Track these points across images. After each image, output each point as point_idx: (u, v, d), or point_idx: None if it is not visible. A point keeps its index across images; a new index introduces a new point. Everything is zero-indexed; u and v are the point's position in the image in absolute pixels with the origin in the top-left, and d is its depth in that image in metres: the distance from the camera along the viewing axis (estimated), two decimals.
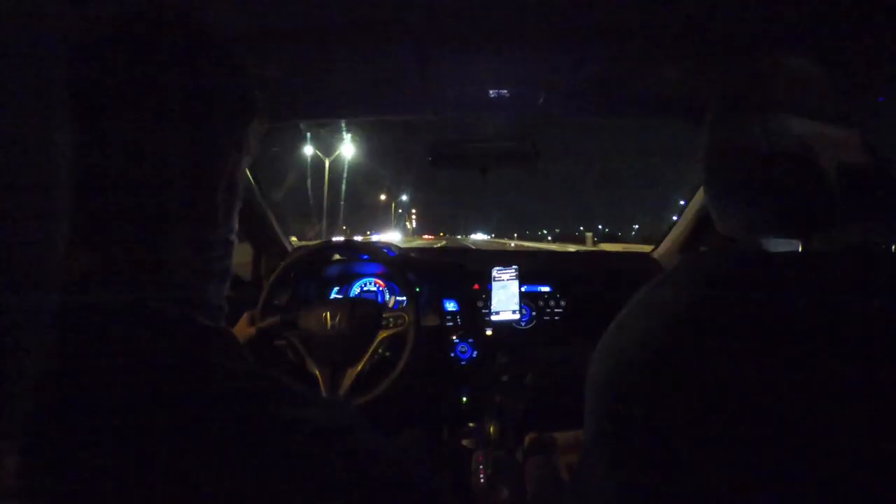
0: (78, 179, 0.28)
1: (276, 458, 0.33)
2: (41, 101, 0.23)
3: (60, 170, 0.25)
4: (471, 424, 1.41)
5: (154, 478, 0.30)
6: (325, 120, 1.38)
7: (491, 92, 1.17)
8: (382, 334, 1.27)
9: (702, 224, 1.53)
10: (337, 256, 1.66)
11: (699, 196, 1.50)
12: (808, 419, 0.38)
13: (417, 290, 1.53)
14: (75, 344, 0.32)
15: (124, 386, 0.33)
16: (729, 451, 0.39)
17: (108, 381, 0.32)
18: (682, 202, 1.61)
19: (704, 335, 0.43)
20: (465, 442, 1.36)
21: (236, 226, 0.49)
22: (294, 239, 1.84)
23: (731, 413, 0.40)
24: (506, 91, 1.17)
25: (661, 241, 1.72)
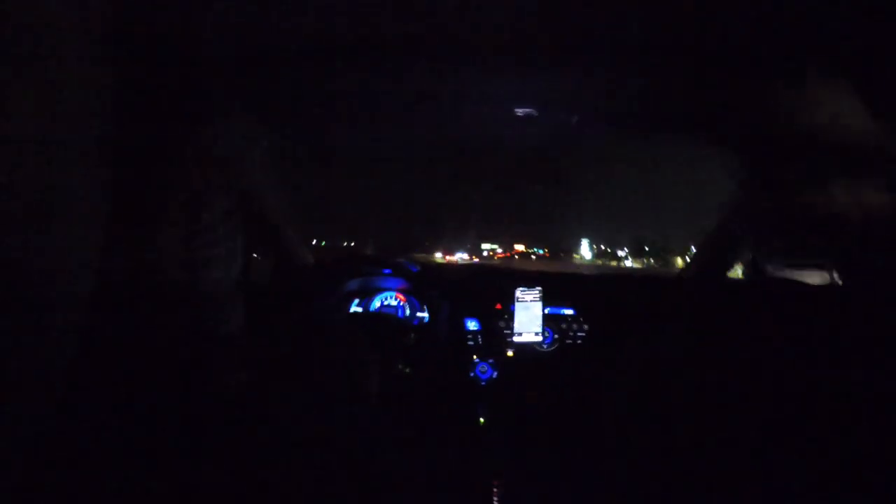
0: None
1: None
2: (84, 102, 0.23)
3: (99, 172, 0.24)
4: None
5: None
6: (338, 129, 1.39)
7: (520, 110, 1.17)
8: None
9: (726, 250, 1.50)
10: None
11: (723, 222, 1.47)
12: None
13: (438, 306, 1.52)
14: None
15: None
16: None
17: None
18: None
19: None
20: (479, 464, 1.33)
21: (224, 212, 0.48)
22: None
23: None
24: (534, 110, 1.17)
25: (683, 264, 1.69)
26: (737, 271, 1.59)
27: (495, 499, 1.25)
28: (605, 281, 1.75)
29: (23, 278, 0.20)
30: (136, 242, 0.41)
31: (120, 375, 0.35)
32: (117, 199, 0.38)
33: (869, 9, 0.65)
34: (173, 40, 0.43)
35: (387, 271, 1.61)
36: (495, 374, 1.46)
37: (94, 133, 0.24)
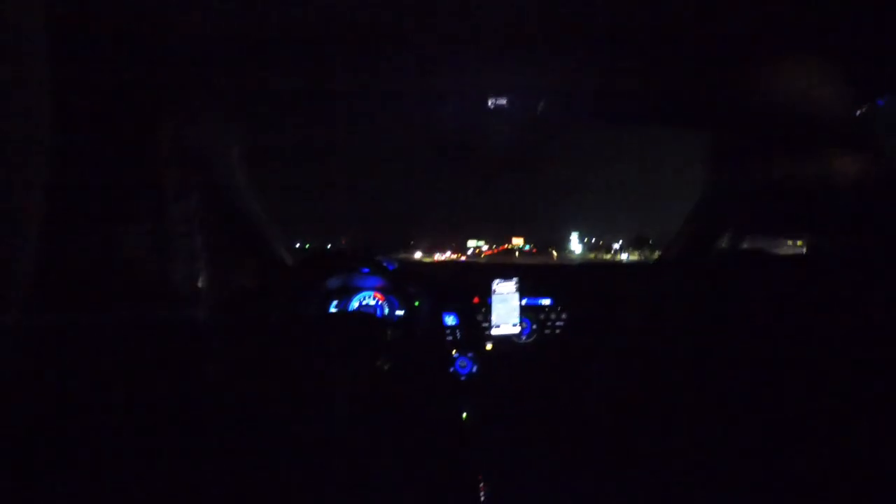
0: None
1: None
2: (25, 99, 0.23)
3: (40, 169, 0.24)
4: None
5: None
6: (321, 126, 1.39)
7: (490, 100, 1.17)
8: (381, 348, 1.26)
9: (704, 231, 1.52)
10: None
11: (700, 203, 1.49)
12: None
13: (417, 304, 1.52)
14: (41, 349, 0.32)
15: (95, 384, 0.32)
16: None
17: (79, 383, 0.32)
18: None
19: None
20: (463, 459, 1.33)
21: (197, 204, 0.49)
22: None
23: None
24: (504, 100, 1.17)
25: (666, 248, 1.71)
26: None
27: (482, 494, 1.26)
28: (583, 269, 1.77)
29: None
30: (107, 240, 0.41)
31: (85, 372, 0.35)
32: (89, 199, 0.37)
33: None
34: (149, 40, 0.43)
35: (365, 270, 1.60)
36: (475, 369, 1.47)
37: (45, 133, 0.24)
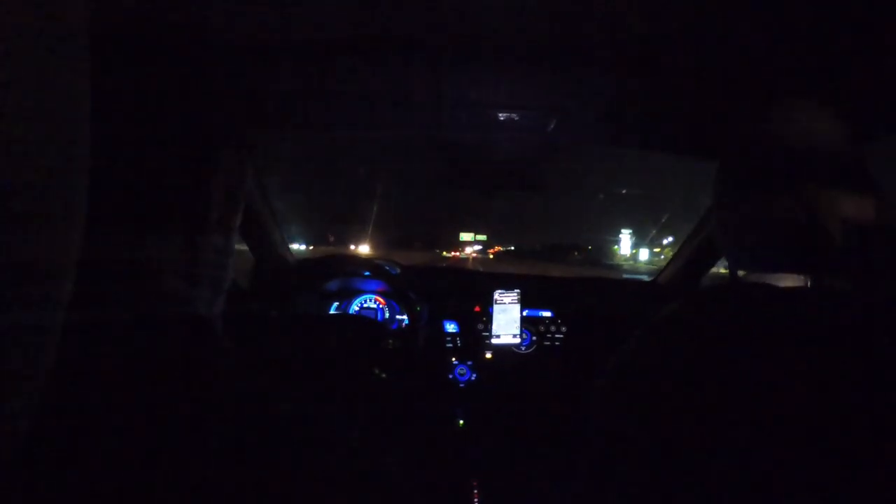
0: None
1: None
2: (69, 98, 0.23)
3: (83, 170, 0.24)
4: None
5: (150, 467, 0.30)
6: (331, 132, 1.38)
7: (501, 115, 1.18)
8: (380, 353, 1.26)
9: (703, 254, 1.54)
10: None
11: (700, 226, 1.51)
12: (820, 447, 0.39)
13: (418, 309, 1.52)
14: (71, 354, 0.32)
15: (115, 392, 0.32)
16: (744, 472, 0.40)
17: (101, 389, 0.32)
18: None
19: (734, 366, 0.44)
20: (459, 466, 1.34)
21: (235, 234, 0.48)
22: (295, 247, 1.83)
23: (754, 436, 0.40)
24: (516, 115, 1.17)
25: (662, 270, 1.72)
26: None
27: (475, 500, 1.26)
28: (583, 283, 1.77)
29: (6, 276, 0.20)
30: (137, 249, 0.40)
31: (113, 378, 0.35)
32: (121, 203, 0.37)
33: (840, 34, 0.69)
34: (178, 43, 0.43)
35: (367, 273, 1.60)
36: (474, 377, 1.47)
37: (85, 136, 0.24)
